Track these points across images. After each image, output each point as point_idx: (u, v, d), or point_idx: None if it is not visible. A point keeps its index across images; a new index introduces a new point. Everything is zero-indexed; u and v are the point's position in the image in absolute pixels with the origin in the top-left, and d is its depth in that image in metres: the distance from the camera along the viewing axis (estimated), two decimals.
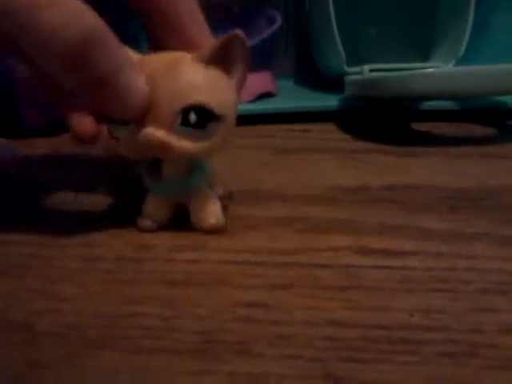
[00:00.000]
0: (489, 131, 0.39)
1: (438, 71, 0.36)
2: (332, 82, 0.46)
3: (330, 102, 0.42)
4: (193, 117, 0.20)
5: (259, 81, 0.42)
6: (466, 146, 0.35)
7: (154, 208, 0.24)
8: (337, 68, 0.44)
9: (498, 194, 0.27)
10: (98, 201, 0.27)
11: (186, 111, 0.20)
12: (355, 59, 0.43)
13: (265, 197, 0.27)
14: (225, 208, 0.25)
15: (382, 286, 0.19)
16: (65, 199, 0.27)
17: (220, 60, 0.21)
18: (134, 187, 0.28)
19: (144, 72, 0.21)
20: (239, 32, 0.21)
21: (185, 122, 0.20)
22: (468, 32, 0.43)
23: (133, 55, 0.22)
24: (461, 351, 0.16)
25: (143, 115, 0.21)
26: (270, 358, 0.16)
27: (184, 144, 0.21)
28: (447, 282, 0.19)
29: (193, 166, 0.23)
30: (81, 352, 0.16)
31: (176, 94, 0.20)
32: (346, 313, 0.18)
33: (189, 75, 0.21)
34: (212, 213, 0.23)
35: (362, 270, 0.20)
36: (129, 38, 0.45)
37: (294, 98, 0.45)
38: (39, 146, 0.36)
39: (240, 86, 0.22)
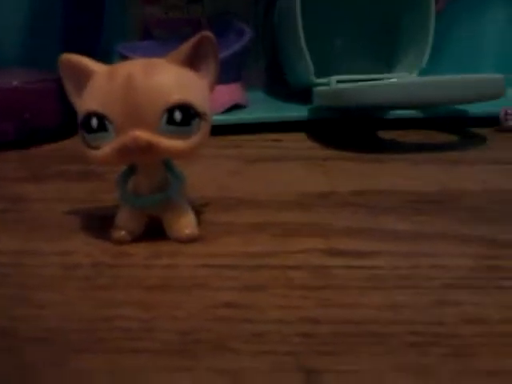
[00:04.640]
0: (450, 138, 0.41)
1: (399, 82, 0.38)
2: (301, 93, 0.47)
3: (300, 112, 0.43)
4: (178, 115, 0.21)
5: (229, 92, 0.43)
6: (429, 152, 0.37)
7: (128, 220, 0.24)
8: (305, 79, 0.45)
9: (459, 196, 0.29)
10: (73, 211, 0.27)
11: (170, 110, 0.21)
12: (323, 70, 0.45)
13: (238, 204, 0.28)
14: (200, 215, 0.25)
15: (351, 285, 0.20)
16: (39, 210, 0.28)
17: (192, 60, 0.22)
18: (110, 198, 0.29)
19: (119, 77, 0.21)
20: (208, 33, 0.22)
21: (170, 121, 0.21)
22: (430, 43, 0.44)
23: (100, 67, 0.23)
24: (424, 341, 0.17)
25: (124, 119, 0.21)
26: (245, 355, 0.16)
27: (170, 143, 0.21)
28: (412, 279, 0.20)
29: (166, 179, 0.24)
30: (64, 355, 0.17)
31: (158, 94, 0.21)
32: (317, 310, 0.18)
33: (168, 75, 0.22)
34: (186, 223, 0.24)
35: (332, 270, 0.21)
36: (99, 52, 0.46)
37: (264, 108, 0.46)
38: (10, 159, 0.36)
39: (212, 84, 0.23)
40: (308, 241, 0.23)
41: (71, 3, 0.42)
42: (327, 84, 0.43)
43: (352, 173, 0.33)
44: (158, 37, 0.51)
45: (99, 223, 0.26)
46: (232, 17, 0.52)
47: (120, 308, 0.19)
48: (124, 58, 0.44)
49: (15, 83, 0.40)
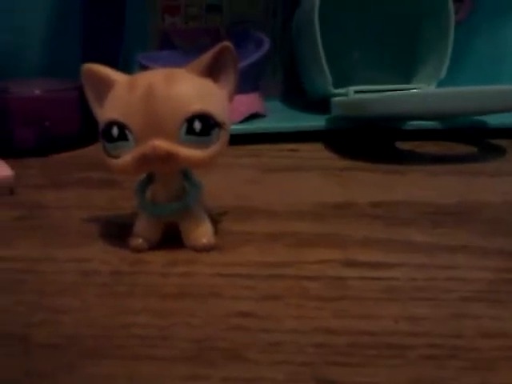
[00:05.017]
0: (469, 149, 0.40)
1: (418, 93, 0.38)
2: (318, 103, 0.47)
3: (317, 122, 0.43)
4: (198, 125, 0.21)
5: (248, 102, 0.43)
6: (447, 164, 0.36)
7: (146, 228, 0.24)
8: (323, 90, 0.45)
9: (478, 208, 0.28)
10: (92, 219, 0.28)
11: (190, 120, 0.21)
12: (340, 81, 0.45)
13: (254, 213, 0.28)
14: (216, 224, 0.26)
15: (368, 296, 0.20)
16: (58, 217, 0.28)
17: (212, 70, 0.23)
18: (129, 205, 0.29)
19: (140, 87, 0.22)
20: (227, 43, 0.23)
21: (190, 130, 0.21)
22: (449, 54, 0.44)
23: (121, 77, 0.23)
24: (442, 354, 0.16)
25: (144, 129, 0.21)
26: (261, 364, 0.16)
27: (190, 152, 0.22)
28: (429, 291, 0.20)
29: (183, 188, 0.24)
30: (79, 361, 0.17)
31: (178, 104, 0.21)
32: (334, 321, 0.18)
33: (188, 86, 0.22)
34: (203, 232, 0.24)
35: (348, 281, 0.21)
36: (119, 61, 0.46)
37: (282, 118, 0.46)
38: (30, 166, 0.37)
39: (231, 94, 0.24)
40: (324, 251, 0.23)
41: (92, 13, 0.43)
42: (345, 94, 0.43)
43: (369, 183, 0.33)
44: (178, 46, 0.51)
45: (117, 231, 0.26)
46: (250, 27, 0.53)
47: (137, 315, 0.19)
48: (144, 67, 0.44)
49: (36, 92, 0.40)
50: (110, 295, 0.21)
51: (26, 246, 0.25)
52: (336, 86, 0.44)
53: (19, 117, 0.40)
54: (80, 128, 0.42)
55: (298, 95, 0.52)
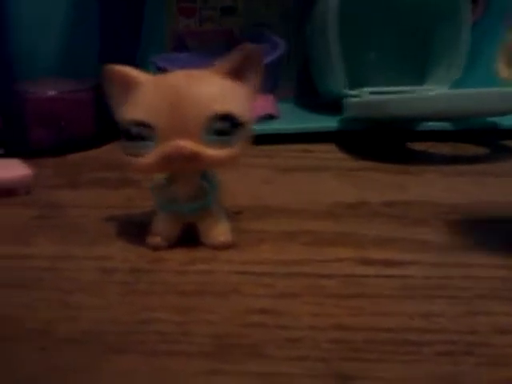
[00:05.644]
0: (481, 150, 0.41)
1: (432, 94, 0.38)
2: (330, 104, 0.47)
3: (330, 123, 0.43)
4: (220, 125, 0.22)
5: (262, 103, 0.44)
6: (459, 165, 0.36)
7: (164, 226, 0.25)
8: (337, 91, 0.45)
9: (490, 208, 0.28)
10: (109, 218, 0.28)
11: (213, 120, 0.22)
12: (353, 82, 0.45)
13: (270, 212, 0.29)
14: (233, 222, 0.26)
15: (384, 294, 0.20)
16: (76, 216, 0.29)
17: (236, 71, 0.23)
18: (146, 204, 0.29)
19: (164, 88, 0.22)
20: (252, 45, 0.23)
21: (213, 130, 0.22)
22: (464, 55, 0.44)
23: (145, 77, 0.24)
24: (458, 350, 0.17)
25: (168, 129, 0.22)
26: (279, 360, 0.17)
27: (212, 152, 0.22)
28: (445, 289, 0.20)
29: (202, 187, 0.25)
30: (102, 356, 0.17)
31: (202, 104, 0.22)
32: (350, 318, 0.19)
33: (212, 86, 0.22)
34: (221, 231, 0.25)
35: (365, 279, 0.21)
36: (136, 62, 0.47)
37: (294, 119, 0.46)
38: (46, 166, 0.37)
39: (254, 95, 0.24)
40: (340, 250, 0.24)
41: (109, 14, 0.43)
42: (358, 96, 0.43)
43: (382, 184, 0.33)
44: (192, 48, 0.52)
45: (135, 229, 0.26)
46: (264, 29, 0.53)
47: (156, 312, 0.20)
48: (159, 69, 0.45)
49: (52, 92, 0.41)
50: (130, 293, 0.21)
51: (45, 244, 0.25)
52: (349, 87, 0.45)
53: (35, 117, 0.40)
54: (95, 128, 0.43)
55: (310, 96, 0.52)
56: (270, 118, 0.44)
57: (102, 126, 0.43)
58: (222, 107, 0.22)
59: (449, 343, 0.17)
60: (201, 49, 0.52)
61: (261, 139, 0.42)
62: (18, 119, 0.40)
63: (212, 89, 0.23)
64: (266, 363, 0.17)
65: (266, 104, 0.44)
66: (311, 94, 0.52)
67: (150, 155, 0.22)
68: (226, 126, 0.22)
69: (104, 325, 0.19)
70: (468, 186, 0.32)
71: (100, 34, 0.44)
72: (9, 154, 0.36)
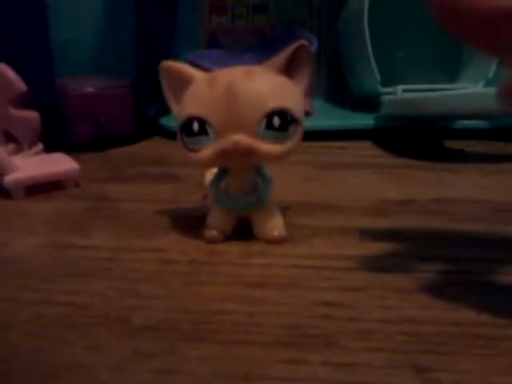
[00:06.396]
0: None
1: (467, 92, 0.38)
2: (362, 101, 0.47)
3: (365, 120, 0.43)
4: (277, 120, 0.22)
5: None
6: (501, 163, 0.37)
7: (220, 220, 0.25)
8: (370, 88, 0.45)
9: None
10: (160, 211, 0.29)
11: (269, 116, 0.22)
12: (386, 79, 0.45)
13: (317, 208, 0.29)
14: (284, 218, 0.26)
15: (447, 288, 0.21)
16: (127, 210, 0.29)
17: (288, 68, 0.23)
18: (192, 199, 0.30)
19: (220, 84, 0.23)
20: (305, 42, 0.23)
21: (269, 126, 0.22)
22: None
23: (200, 74, 0.24)
24: None
25: (224, 124, 0.22)
26: (355, 350, 0.17)
27: (269, 147, 0.22)
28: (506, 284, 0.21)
29: (256, 182, 0.25)
30: (180, 344, 0.18)
31: (258, 100, 0.22)
32: (418, 311, 0.19)
33: (267, 82, 0.23)
34: (275, 226, 0.25)
35: (425, 274, 0.22)
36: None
37: (329, 116, 0.46)
38: (88, 161, 0.38)
39: (306, 91, 0.24)
40: (397, 246, 0.24)
41: (145, 11, 0.44)
42: (392, 93, 0.44)
43: (425, 181, 0.33)
44: (224, 46, 0.52)
45: (188, 223, 0.27)
46: (295, 26, 0.53)
47: (224, 302, 0.20)
48: (194, 66, 0.45)
49: (91, 89, 0.41)
50: (194, 283, 0.21)
51: (103, 235, 0.26)
52: (382, 85, 0.45)
53: (75, 113, 0.41)
54: (133, 125, 0.43)
55: (342, 93, 0.53)
56: (304, 114, 0.45)
57: (139, 122, 0.43)
58: (277, 103, 0.22)
59: None
60: (233, 46, 0.52)
61: None
62: (58, 115, 0.40)
63: (267, 85, 0.23)
64: (343, 354, 0.17)
65: None
66: (342, 91, 0.53)
67: (208, 150, 0.23)
68: (281, 121, 0.22)
69: (177, 314, 0.19)
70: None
71: (136, 32, 0.45)
72: (50, 149, 0.36)
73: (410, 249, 0.24)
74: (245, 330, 0.18)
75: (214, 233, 0.25)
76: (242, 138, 0.22)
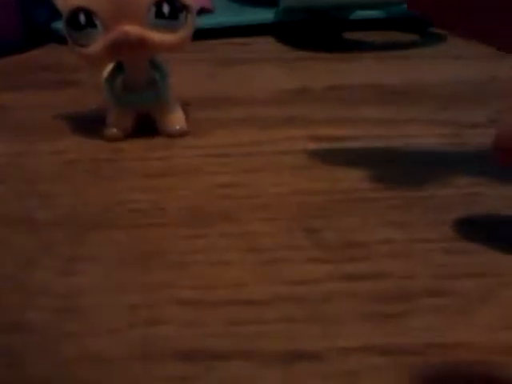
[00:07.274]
0: (413, 37, 0.42)
1: None
2: None
3: (266, 15, 0.43)
4: (166, 8, 0.22)
5: None
6: (393, 50, 0.38)
7: (118, 118, 0.25)
8: None
9: (424, 87, 0.31)
10: (59, 116, 0.28)
11: (158, 4, 0.22)
12: None
13: (219, 102, 0.29)
14: (185, 112, 0.27)
15: (337, 163, 0.22)
16: (24, 118, 0.28)
17: None
18: (92, 102, 0.29)
19: None
20: None
21: (158, 14, 0.22)
22: None
23: None
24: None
25: (112, 14, 0.22)
26: (252, 222, 0.19)
27: (161, 37, 0.22)
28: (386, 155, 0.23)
29: (153, 76, 0.25)
30: (83, 232, 0.18)
31: None
32: (310, 184, 0.21)
33: None
34: (176, 120, 0.25)
35: (318, 152, 0.23)
36: None
37: (229, 13, 0.46)
38: None
39: None
40: (293, 131, 0.25)
41: None
42: None
43: (322, 71, 0.34)
44: None
45: (87, 125, 0.27)
46: None
47: (127, 193, 0.21)
48: None
49: None
50: (96, 179, 0.22)
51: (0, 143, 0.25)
52: None
53: None
54: (22, 32, 0.41)
55: None
56: (203, 12, 0.44)
57: (30, 28, 0.41)
58: None
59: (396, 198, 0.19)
60: None
61: (197, 34, 0.41)
62: None
63: None
64: (241, 225, 0.18)
65: None
66: None
67: (97, 43, 0.22)
68: (171, 8, 0.22)
69: (80, 207, 0.20)
70: (404, 68, 0.34)
71: None
72: None
73: (304, 132, 0.25)
74: (147, 215, 0.19)
75: (113, 131, 0.25)
76: (132, 28, 0.22)
